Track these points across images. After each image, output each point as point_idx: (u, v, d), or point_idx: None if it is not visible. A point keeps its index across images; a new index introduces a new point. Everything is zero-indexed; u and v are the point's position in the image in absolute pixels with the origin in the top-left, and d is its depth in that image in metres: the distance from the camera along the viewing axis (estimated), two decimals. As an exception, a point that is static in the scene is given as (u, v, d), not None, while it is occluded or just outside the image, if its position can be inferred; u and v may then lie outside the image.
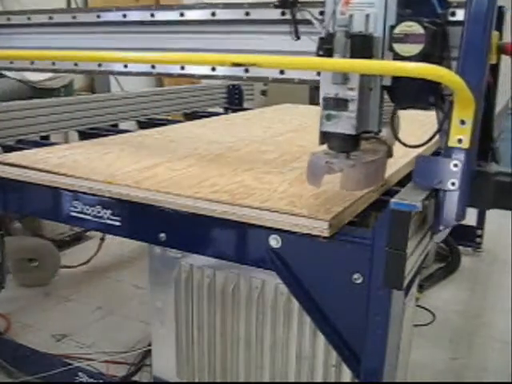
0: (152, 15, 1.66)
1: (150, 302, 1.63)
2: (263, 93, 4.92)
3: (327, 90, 1.14)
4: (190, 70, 1.63)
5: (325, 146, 1.22)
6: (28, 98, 3.04)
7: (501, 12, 1.17)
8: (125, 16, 1.71)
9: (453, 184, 1.07)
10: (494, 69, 1.21)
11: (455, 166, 1.07)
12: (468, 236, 3.34)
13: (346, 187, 1.18)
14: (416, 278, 1.35)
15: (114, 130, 2.58)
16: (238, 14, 1.52)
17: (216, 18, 1.56)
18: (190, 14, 1.61)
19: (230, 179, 1.49)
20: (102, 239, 2.89)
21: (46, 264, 2.89)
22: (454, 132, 1.06)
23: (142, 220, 1.44)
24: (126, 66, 1.74)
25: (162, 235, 1.39)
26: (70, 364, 1.98)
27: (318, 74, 1.22)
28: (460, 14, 1.11)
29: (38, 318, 2.55)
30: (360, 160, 1.17)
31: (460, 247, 3.22)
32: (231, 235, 1.31)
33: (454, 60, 1.08)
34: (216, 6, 1.56)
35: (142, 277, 2.81)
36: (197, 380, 1.62)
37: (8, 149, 2.05)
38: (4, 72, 3.22)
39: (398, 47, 1.06)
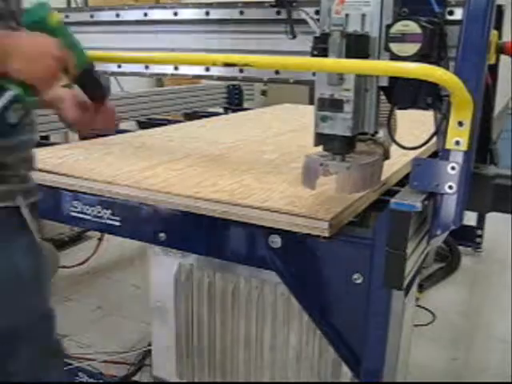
0: (145, 14, 1.67)
1: (150, 302, 1.63)
2: (263, 93, 4.91)
3: (322, 90, 1.13)
4: (184, 70, 1.63)
5: (321, 148, 1.21)
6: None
7: (500, 11, 1.17)
8: (118, 15, 1.71)
9: (450, 187, 1.06)
10: (493, 69, 1.20)
11: (453, 168, 1.05)
12: (468, 236, 3.34)
13: (340, 190, 1.17)
14: (416, 278, 1.35)
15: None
16: (232, 14, 1.52)
17: (210, 17, 1.56)
18: (184, 13, 1.61)
19: (230, 179, 1.49)
20: (100, 239, 2.89)
21: (46, 264, 2.88)
22: (452, 134, 1.05)
23: (142, 220, 1.44)
24: (119, 66, 1.74)
25: (162, 235, 1.39)
26: (70, 364, 1.98)
27: (314, 74, 1.22)
28: (458, 13, 1.11)
29: (38, 318, 2.54)
30: (356, 162, 1.16)
31: (460, 247, 3.22)
32: (231, 235, 1.31)
33: (452, 60, 1.07)
34: (210, 5, 1.56)
35: (142, 277, 2.81)
36: (197, 380, 1.62)
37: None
38: None
39: (394, 47, 1.05)
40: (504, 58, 1.22)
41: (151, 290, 1.62)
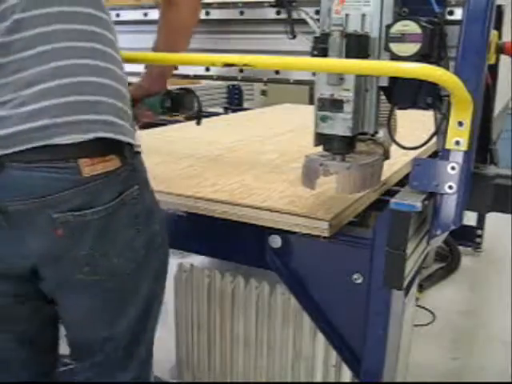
0: (145, 14, 1.66)
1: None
2: (263, 93, 4.92)
3: (322, 90, 1.13)
4: (184, 70, 1.63)
5: (321, 148, 1.21)
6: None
7: (500, 11, 1.17)
8: (118, 15, 1.71)
9: (450, 187, 1.06)
10: (493, 69, 1.20)
11: (453, 168, 1.05)
12: (468, 236, 3.34)
13: (340, 190, 1.17)
14: (416, 278, 1.35)
15: (113, 130, 2.57)
16: (232, 14, 1.52)
17: (210, 17, 1.56)
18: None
19: (230, 179, 1.49)
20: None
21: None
22: (452, 134, 1.05)
23: (142, 220, 1.44)
24: (118, 66, 1.74)
25: (162, 235, 1.39)
26: (70, 364, 1.98)
27: (314, 74, 1.21)
28: (458, 13, 1.11)
29: (38, 318, 2.54)
30: (356, 162, 1.16)
31: (460, 247, 3.22)
32: (231, 235, 1.31)
33: (452, 60, 1.07)
34: (210, 5, 1.55)
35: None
36: (197, 380, 1.62)
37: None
38: None
39: (394, 47, 1.05)
40: (504, 57, 1.22)
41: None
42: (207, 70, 1.59)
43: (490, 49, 1.07)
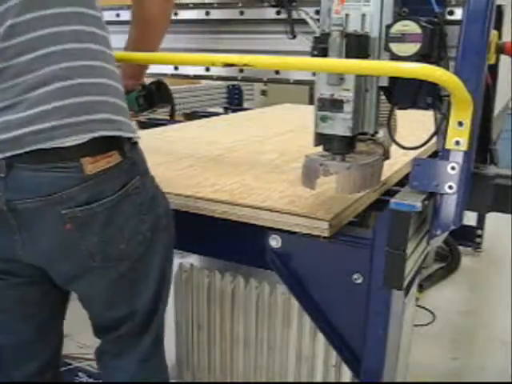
0: (146, 14, 1.66)
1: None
2: (263, 93, 4.91)
3: (322, 90, 1.13)
4: (184, 70, 1.63)
5: (321, 148, 1.21)
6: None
7: (500, 11, 1.17)
8: (118, 15, 1.71)
9: (450, 187, 1.06)
10: (493, 69, 1.20)
11: (453, 168, 1.05)
12: (468, 236, 3.34)
13: (340, 190, 1.17)
14: (416, 278, 1.35)
15: (114, 130, 2.58)
16: (232, 14, 1.52)
17: (210, 17, 1.56)
18: (184, 14, 1.60)
19: (230, 179, 1.49)
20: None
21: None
22: (452, 134, 1.05)
23: (142, 220, 1.44)
24: (119, 67, 1.74)
25: (162, 235, 1.39)
26: (69, 364, 1.98)
27: (314, 74, 1.21)
28: (458, 13, 1.11)
29: (38, 318, 2.54)
30: (356, 162, 1.16)
31: (460, 247, 3.22)
32: (231, 235, 1.31)
33: (452, 60, 1.07)
34: (210, 5, 1.55)
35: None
36: (197, 380, 1.62)
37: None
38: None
39: (394, 47, 1.05)
40: (504, 57, 1.22)
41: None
42: (207, 70, 1.59)
43: (490, 49, 1.07)
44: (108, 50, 1.02)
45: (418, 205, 1.02)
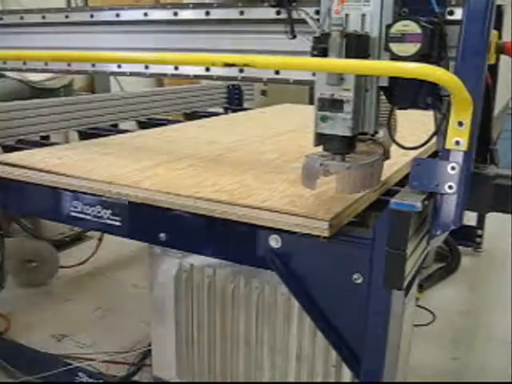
0: (145, 14, 1.66)
1: (149, 302, 1.63)
2: (263, 93, 4.91)
3: (322, 90, 1.13)
4: (184, 70, 1.63)
5: (321, 148, 1.21)
6: (28, 98, 3.04)
7: (500, 11, 1.17)
8: (118, 15, 1.71)
9: (450, 187, 1.06)
10: (493, 69, 1.20)
11: (453, 168, 1.05)
12: (468, 236, 3.34)
13: (340, 190, 1.17)
14: (416, 278, 1.35)
15: (113, 130, 2.58)
16: (232, 14, 1.52)
17: (210, 17, 1.56)
18: (184, 14, 1.60)
19: (230, 179, 1.49)
20: (100, 239, 2.89)
21: (45, 265, 2.89)
22: (452, 134, 1.05)
23: (142, 220, 1.44)
24: (119, 66, 1.74)
25: (162, 235, 1.39)
26: (69, 364, 1.98)
27: (314, 74, 1.21)
28: (458, 13, 1.11)
29: (38, 318, 2.55)
30: (356, 162, 1.16)
31: (460, 247, 3.22)
32: (231, 235, 1.31)
33: (452, 60, 1.07)
34: (210, 5, 1.55)
35: (141, 277, 2.81)
36: (197, 380, 1.62)
37: (8, 149, 2.05)
38: (4, 72, 3.23)
39: (394, 47, 1.05)
40: (504, 57, 1.22)
41: (151, 290, 1.62)
42: (207, 70, 1.59)
43: (490, 49, 1.07)
44: None
45: (418, 205, 1.02)
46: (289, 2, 1.36)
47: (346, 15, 1.11)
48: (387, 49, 1.06)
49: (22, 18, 1.96)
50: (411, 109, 1.16)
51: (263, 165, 1.69)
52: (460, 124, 1.04)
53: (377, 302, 1.12)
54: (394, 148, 1.29)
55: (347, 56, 1.06)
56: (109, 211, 1.46)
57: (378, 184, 1.30)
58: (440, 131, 1.12)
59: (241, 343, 1.51)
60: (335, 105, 1.12)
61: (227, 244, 1.33)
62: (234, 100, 3.59)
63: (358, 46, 1.08)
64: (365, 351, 1.17)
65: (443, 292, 2.87)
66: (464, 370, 2.21)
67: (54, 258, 2.95)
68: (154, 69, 1.69)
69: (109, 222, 1.46)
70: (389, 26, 1.06)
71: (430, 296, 2.78)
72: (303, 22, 1.28)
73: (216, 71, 1.58)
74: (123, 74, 1.75)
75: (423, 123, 1.92)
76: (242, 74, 1.53)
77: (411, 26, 1.03)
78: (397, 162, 1.60)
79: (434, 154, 1.25)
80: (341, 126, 1.13)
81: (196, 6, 1.59)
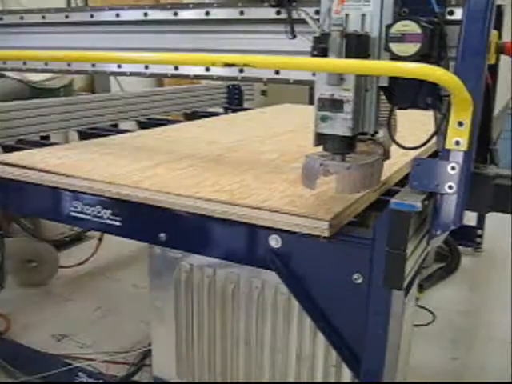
0: (145, 14, 1.66)
1: (149, 302, 1.63)
2: (263, 93, 4.91)
3: (322, 90, 1.13)
4: (184, 70, 1.63)
5: (321, 148, 1.21)
6: (28, 98, 3.04)
7: (500, 11, 1.17)
8: (118, 15, 1.71)
9: (450, 187, 1.06)
10: (493, 69, 1.20)
11: (453, 168, 1.05)
12: (468, 236, 3.34)
13: (340, 190, 1.17)
14: (416, 278, 1.35)
15: (113, 130, 2.59)
16: (232, 14, 1.52)
17: (210, 17, 1.56)
18: (184, 14, 1.60)
19: (230, 179, 1.49)
20: (100, 239, 2.90)
21: (45, 265, 2.89)
22: (452, 134, 1.05)
23: (142, 220, 1.44)
24: (119, 66, 1.74)
25: (162, 235, 1.39)
26: (69, 364, 1.98)
27: (314, 74, 1.22)
28: (458, 13, 1.11)
29: (38, 318, 2.55)
30: (356, 162, 1.16)
31: (460, 247, 3.22)
32: (231, 235, 1.31)
33: (452, 60, 1.07)
34: (210, 5, 1.55)
35: (141, 277, 2.81)
36: (197, 380, 1.62)
37: (8, 149, 2.06)
38: (4, 72, 3.23)
39: (394, 47, 1.05)
40: (504, 57, 1.22)
41: (151, 290, 1.62)
42: (207, 70, 1.59)
43: (490, 49, 1.07)
44: None
45: (418, 205, 1.02)
46: (289, 1, 1.36)
47: (346, 15, 1.11)
48: (387, 49, 1.06)
49: (21, 18, 1.95)
50: (411, 109, 1.16)
51: (263, 165, 1.69)
52: (460, 124, 1.04)
53: (377, 302, 1.12)
54: (393, 148, 1.29)
55: (347, 56, 1.06)
56: (109, 211, 1.46)
57: (377, 184, 1.30)
58: (440, 131, 1.11)
59: (241, 343, 1.51)
60: (335, 105, 1.12)
61: (227, 244, 1.33)
62: (234, 100, 3.59)
63: (358, 45, 1.08)
64: (365, 351, 1.17)
65: (443, 292, 2.87)
66: (464, 369, 2.21)
67: (54, 258, 2.95)
68: (154, 69, 1.69)
69: (109, 222, 1.46)
70: (389, 26, 1.06)
71: (430, 296, 2.78)
72: (303, 22, 1.28)
73: (216, 71, 1.58)
74: (123, 74, 1.75)
75: (423, 123, 1.92)
76: (242, 74, 1.53)
77: (411, 26, 1.03)
78: (397, 162, 1.60)
79: (434, 154, 1.25)
80: (341, 125, 1.13)
81: (196, 6, 1.58)
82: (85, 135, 2.46)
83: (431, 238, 1.14)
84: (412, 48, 1.03)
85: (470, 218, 3.27)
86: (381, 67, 1.04)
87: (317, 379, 1.43)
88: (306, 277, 1.22)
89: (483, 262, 3.29)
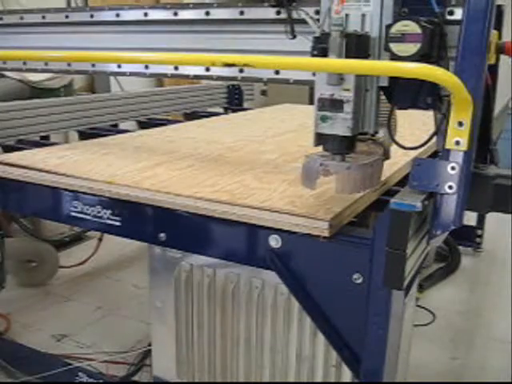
0: (145, 14, 1.66)
1: (149, 302, 1.63)
2: (263, 93, 4.91)
3: (322, 90, 1.13)
4: (184, 70, 1.63)
5: (321, 148, 1.21)
6: (28, 98, 3.04)
7: (500, 11, 1.17)
8: (118, 15, 1.71)
9: (450, 187, 1.06)
10: (493, 69, 1.20)
11: (453, 168, 1.05)
12: (468, 236, 3.34)
13: (340, 190, 1.17)
14: (416, 278, 1.35)
15: (113, 129, 2.59)
16: (232, 14, 1.52)
17: (210, 17, 1.55)
18: (184, 14, 1.60)
19: (230, 179, 1.49)
20: (100, 239, 2.90)
21: (45, 265, 2.89)
22: (452, 134, 1.05)
23: (142, 220, 1.44)
24: (119, 66, 1.74)
25: (162, 235, 1.39)
26: (69, 364, 1.98)
27: (314, 74, 1.22)
28: (458, 13, 1.11)
29: (37, 318, 2.55)
30: (356, 162, 1.16)
31: (460, 247, 3.22)
32: (231, 235, 1.31)
33: (452, 60, 1.07)
34: (210, 5, 1.55)
35: (142, 277, 2.81)
36: (197, 380, 1.62)
37: (8, 149, 2.06)
38: (4, 72, 3.23)
39: (394, 47, 1.05)
40: (504, 57, 1.22)
41: (151, 290, 1.62)
42: (207, 70, 1.59)
43: (490, 49, 1.07)
44: None
45: (418, 205, 1.01)
46: (289, 1, 1.36)
47: (346, 15, 1.11)
48: (387, 49, 1.06)
49: (21, 18, 1.95)
50: (411, 109, 1.16)
51: (263, 165, 1.69)
52: (460, 124, 1.04)
53: (377, 302, 1.12)
54: (394, 148, 1.29)
55: (347, 56, 1.06)
56: (109, 211, 1.46)
57: (377, 184, 1.30)
58: (440, 131, 1.11)
59: (241, 343, 1.51)
60: (335, 105, 1.12)
61: (227, 244, 1.33)
62: (234, 100, 3.59)
63: (358, 45, 1.08)
64: (365, 351, 1.17)
65: (443, 292, 2.87)
66: (464, 369, 2.21)
67: (54, 258, 2.95)
68: (154, 69, 1.69)
69: (109, 222, 1.46)
70: (389, 26, 1.06)
71: (430, 296, 2.78)
72: (303, 22, 1.28)
73: (216, 71, 1.58)
74: (123, 74, 1.74)
75: (423, 123, 1.92)
76: (242, 74, 1.53)
77: (411, 26, 1.03)
78: (397, 162, 1.60)
79: (434, 154, 1.25)
80: (341, 125, 1.13)
81: (196, 6, 1.58)
82: (85, 135, 2.46)
83: (431, 238, 1.14)
84: (412, 48, 1.03)
85: (470, 218, 3.27)
86: (381, 67, 1.04)
87: (317, 379, 1.43)
88: (305, 277, 1.23)
89: (483, 262, 3.29)
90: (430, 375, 2.13)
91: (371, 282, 1.12)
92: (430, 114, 1.18)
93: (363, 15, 1.10)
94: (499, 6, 1.18)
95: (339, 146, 1.16)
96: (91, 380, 1.92)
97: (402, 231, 1.02)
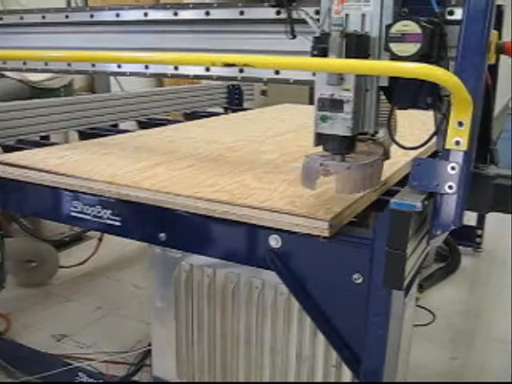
0: (145, 14, 1.66)
1: (149, 302, 1.63)
2: (263, 93, 4.91)
3: (322, 90, 1.13)
4: (184, 70, 1.63)
5: (321, 148, 1.21)
6: (28, 98, 3.04)
7: (500, 11, 1.17)
8: (118, 15, 1.71)
9: (450, 187, 1.06)
10: (493, 69, 1.20)
11: (453, 168, 1.05)
12: (468, 236, 3.34)
13: (340, 190, 1.17)
14: (416, 278, 1.35)
15: (113, 130, 2.59)
16: (232, 14, 1.52)
17: (210, 17, 1.56)
18: (184, 14, 1.60)
19: (230, 179, 1.49)
20: (100, 239, 2.90)
21: (45, 265, 2.89)
22: (452, 134, 1.05)
23: (142, 220, 1.44)
24: (119, 66, 1.74)
25: (162, 235, 1.39)
26: (69, 364, 1.98)
27: (314, 74, 1.22)
28: (458, 13, 1.11)
29: (37, 317, 2.55)
30: (356, 162, 1.16)
31: (460, 247, 3.22)
32: (231, 235, 1.31)
33: (452, 60, 1.07)
34: (210, 5, 1.55)
35: (141, 277, 2.82)
36: (197, 380, 1.62)
37: (8, 149, 2.06)
38: (4, 72, 3.23)
39: (394, 47, 1.05)
40: (504, 57, 1.22)
41: (151, 290, 1.62)
42: (207, 70, 1.59)
43: (490, 49, 1.07)
44: None
45: (418, 205, 1.01)
46: (289, 1, 1.36)
47: (346, 15, 1.11)
48: (387, 49, 1.06)
49: (21, 18, 1.95)
50: (411, 109, 1.16)
51: (263, 165, 1.69)
52: (460, 124, 1.04)
53: (377, 302, 1.12)
54: (394, 148, 1.29)
55: (347, 56, 1.06)
56: (109, 211, 1.46)
57: (377, 184, 1.30)
58: (440, 131, 1.11)
59: (241, 343, 1.51)
60: (335, 105, 1.12)
61: (227, 244, 1.33)
62: (234, 100, 3.59)
63: (358, 45, 1.08)
64: (365, 351, 1.17)
65: (443, 292, 2.87)
66: (464, 369, 2.21)
67: (54, 258, 2.95)
68: (154, 69, 1.69)
69: (109, 222, 1.46)
70: (389, 26, 1.06)
71: (430, 296, 2.78)
72: (303, 21, 1.28)
73: (216, 71, 1.58)
74: (123, 74, 1.75)
75: (423, 123, 1.92)
76: (242, 74, 1.53)
77: (411, 26, 1.03)
78: (397, 162, 1.60)
79: (434, 154, 1.25)
80: (341, 126, 1.13)
81: (196, 6, 1.58)
82: (85, 135, 2.47)
83: (431, 238, 1.14)
84: (412, 48, 1.03)
85: (470, 218, 3.27)
86: (381, 67, 1.04)
87: (317, 379, 1.43)
88: (306, 277, 1.23)
89: (483, 262, 3.29)
90: (429, 375, 2.13)
91: (371, 282, 1.12)
92: (430, 114, 1.18)
93: (363, 15, 1.10)
94: (499, 6, 1.18)
95: (339, 146, 1.16)
96: (91, 380, 1.92)
97: (402, 231, 1.02)
